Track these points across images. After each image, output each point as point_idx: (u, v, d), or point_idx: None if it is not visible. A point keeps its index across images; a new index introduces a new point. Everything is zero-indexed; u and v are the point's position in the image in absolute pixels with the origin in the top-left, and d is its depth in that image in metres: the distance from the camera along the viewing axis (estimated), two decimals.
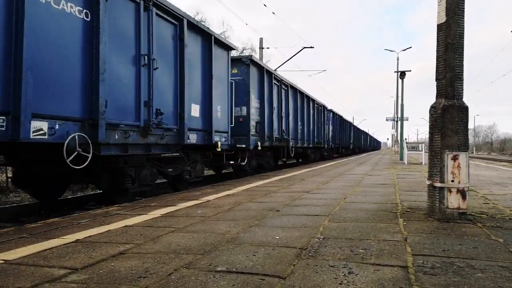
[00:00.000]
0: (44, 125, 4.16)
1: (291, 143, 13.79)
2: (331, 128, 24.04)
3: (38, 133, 4.08)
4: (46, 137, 4.19)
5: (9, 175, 9.21)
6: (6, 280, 2.01)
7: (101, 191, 8.37)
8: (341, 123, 28.30)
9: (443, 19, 3.59)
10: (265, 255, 2.41)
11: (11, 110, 3.90)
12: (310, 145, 17.77)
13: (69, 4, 4.50)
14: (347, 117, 43.15)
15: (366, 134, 61.59)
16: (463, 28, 3.57)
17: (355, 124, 50.38)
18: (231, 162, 9.67)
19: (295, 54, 21.51)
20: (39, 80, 4.15)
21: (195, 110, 7.25)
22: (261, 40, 23.10)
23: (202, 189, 6.66)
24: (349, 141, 33.18)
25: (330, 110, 24.09)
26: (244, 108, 9.96)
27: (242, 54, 36.86)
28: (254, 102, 10.34)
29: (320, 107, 20.34)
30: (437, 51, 3.68)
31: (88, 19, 4.79)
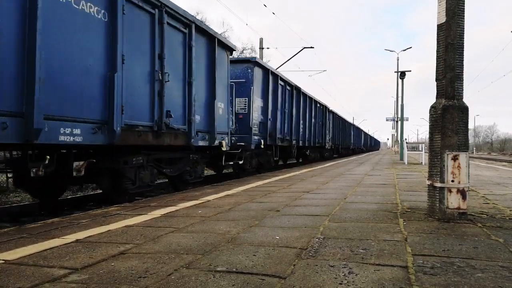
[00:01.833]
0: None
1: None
2: (279, 111, 12.85)
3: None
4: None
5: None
6: (6, 280, 2.01)
7: (98, 192, 8.41)
8: (305, 104, 16.81)
9: (443, 19, 3.59)
10: (265, 255, 2.41)
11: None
12: (197, 142, 7.36)
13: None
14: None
15: (359, 130, 47.83)
16: (463, 28, 3.57)
17: (353, 123, 42.15)
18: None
19: (295, 54, 21.50)
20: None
21: None
22: (261, 40, 23.12)
23: (202, 189, 6.66)
24: (323, 137, 21.44)
25: (272, 74, 12.13)
26: None
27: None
28: None
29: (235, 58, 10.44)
30: (437, 51, 3.68)
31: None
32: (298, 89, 15.68)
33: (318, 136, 20.17)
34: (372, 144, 76.69)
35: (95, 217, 3.92)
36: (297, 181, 7.65)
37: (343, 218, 3.65)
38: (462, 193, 3.46)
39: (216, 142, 8.21)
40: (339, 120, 27.95)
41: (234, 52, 9.52)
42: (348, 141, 33.90)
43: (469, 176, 3.54)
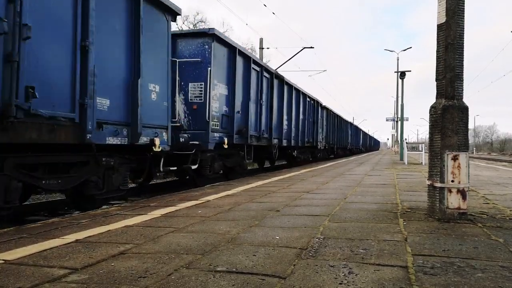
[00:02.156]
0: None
1: None
2: (253, 103, 10.24)
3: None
4: None
5: None
6: (6, 280, 2.01)
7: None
8: (290, 97, 14.17)
9: (443, 19, 3.59)
10: (265, 255, 2.41)
11: None
12: None
13: None
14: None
15: (357, 129, 43.86)
16: (463, 28, 3.57)
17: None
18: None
19: (295, 55, 21.50)
20: None
21: None
22: (261, 40, 23.12)
23: (202, 189, 6.66)
24: (314, 135, 18.73)
25: (241, 54, 9.49)
26: None
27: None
28: None
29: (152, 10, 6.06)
30: (437, 51, 3.69)
31: None
32: (280, 78, 12.80)
33: (308, 134, 17.38)
34: (371, 144, 73.45)
35: (95, 217, 3.92)
36: (297, 181, 7.65)
37: (343, 218, 3.65)
38: (462, 193, 3.46)
39: (144, 140, 5.73)
40: (334, 118, 24.95)
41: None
42: (345, 140, 30.99)
43: (469, 176, 3.54)
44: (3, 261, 2.36)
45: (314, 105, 18.85)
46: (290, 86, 14.27)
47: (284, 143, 13.51)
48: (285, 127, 13.47)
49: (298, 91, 15.40)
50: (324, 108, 21.66)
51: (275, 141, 12.38)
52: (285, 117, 13.42)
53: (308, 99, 17.33)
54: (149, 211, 4.21)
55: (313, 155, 19.98)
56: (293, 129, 14.62)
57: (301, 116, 15.95)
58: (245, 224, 3.39)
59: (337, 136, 26.40)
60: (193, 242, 2.78)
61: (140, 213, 4.09)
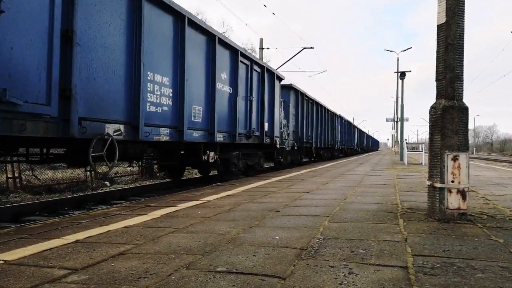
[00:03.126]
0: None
1: None
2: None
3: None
4: None
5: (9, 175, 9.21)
6: (6, 281, 2.01)
7: (98, 192, 8.42)
8: (195, 47, 7.12)
9: (443, 19, 3.60)
10: (265, 256, 2.41)
11: None
12: None
13: None
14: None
15: (350, 125, 35.30)
16: (463, 28, 3.57)
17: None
18: None
19: (295, 55, 21.49)
20: None
21: None
22: (261, 40, 23.11)
23: (202, 189, 6.66)
24: (265, 128, 10.64)
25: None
26: None
27: None
28: None
29: None
30: (437, 51, 3.69)
31: None
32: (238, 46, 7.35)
33: (250, 124, 9.86)
34: (369, 144, 65.15)
35: (95, 218, 3.92)
36: (297, 182, 7.65)
37: (343, 218, 3.65)
38: (462, 193, 3.46)
39: None
40: (311, 106, 17.69)
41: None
42: (331, 138, 23.42)
43: (469, 176, 3.54)
44: (3, 262, 2.36)
45: (261, 76, 10.66)
46: (198, 27, 7.30)
47: (162, 136, 6.33)
48: (161, 102, 6.25)
49: (210, 35, 7.82)
50: (291, 88, 14.55)
51: (107, 129, 5.10)
52: (161, 79, 6.24)
53: (245, 60, 9.59)
54: (149, 212, 4.21)
55: (271, 159, 12.89)
56: (196, 109, 7.39)
57: (223, 88, 8.49)
58: (245, 225, 3.39)
59: (318, 132, 19.47)
60: (193, 242, 2.78)
61: (140, 214, 4.09)
